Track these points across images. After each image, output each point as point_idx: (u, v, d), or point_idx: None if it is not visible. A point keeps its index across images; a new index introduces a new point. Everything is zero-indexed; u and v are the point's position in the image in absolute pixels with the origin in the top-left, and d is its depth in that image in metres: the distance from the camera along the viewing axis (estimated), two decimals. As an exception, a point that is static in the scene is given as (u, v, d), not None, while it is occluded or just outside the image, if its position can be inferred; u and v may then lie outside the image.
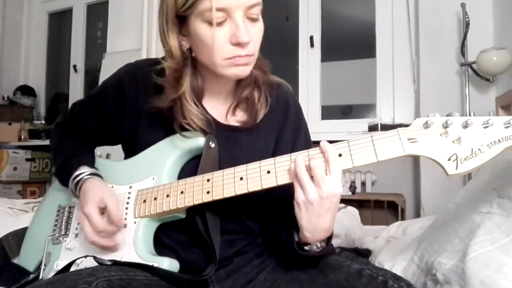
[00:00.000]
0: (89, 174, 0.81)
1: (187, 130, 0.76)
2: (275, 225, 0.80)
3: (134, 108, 0.81)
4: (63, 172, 0.84)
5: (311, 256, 0.70)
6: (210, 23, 0.66)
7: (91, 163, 0.84)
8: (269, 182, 0.67)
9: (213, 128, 0.77)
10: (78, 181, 0.80)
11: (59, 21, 3.79)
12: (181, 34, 0.71)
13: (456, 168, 0.59)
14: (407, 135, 0.62)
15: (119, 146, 0.88)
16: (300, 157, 0.65)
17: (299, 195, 0.64)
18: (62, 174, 0.85)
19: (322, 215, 0.64)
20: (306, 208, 0.64)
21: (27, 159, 3.18)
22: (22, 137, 3.32)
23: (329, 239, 0.70)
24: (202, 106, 0.78)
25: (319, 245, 0.69)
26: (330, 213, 0.65)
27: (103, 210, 0.76)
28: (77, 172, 0.81)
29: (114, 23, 3.26)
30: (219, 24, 0.66)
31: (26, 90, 3.55)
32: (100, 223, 0.73)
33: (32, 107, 3.56)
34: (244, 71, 0.72)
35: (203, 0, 0.64)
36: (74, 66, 3.56)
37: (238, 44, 0.67)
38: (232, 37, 0.67)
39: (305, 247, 0.69)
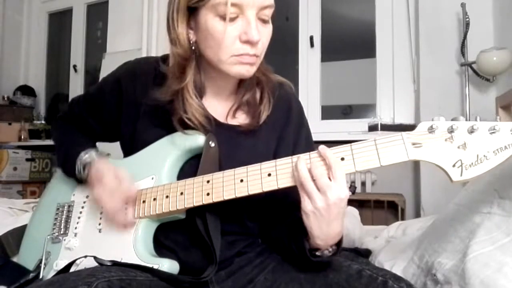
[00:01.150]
0: (98, 155, 0.82)
1: (186, 125, 0.75)
2: (280, 232, 0.79)
3: (132, 107, 0.81)
4: (68, 159, 0.84)
5: (325, 261, 0.70)
6: (222, 17, 0.66)
7: (94, 147, 0.86)
8: (270, 185, 0.66)
9: (213, 126, 0.77)
10: (85, 164, 0.81)
11: (59, 21, 3.78)
12: (189, 27, 0.71)
13: (461, 175, 0.58)
14: (411, 139, 0.61)
15: (119, 146, 0.88)
16: (303, 165, 0.63)
17: (306, 204, 0.62)
18: (67, 161, 0.85)
19: (332, 221, 0.63)
20: (315, 217, 0.62)
21: (27, 159, 3.17)
22: (22, 137, 3.32)
23: (339, 242, 0.69)
24: (202, 104, 0.78)
25: (330, 249, 0.68)
26: (339, 218, 0.64)
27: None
28: (84, 154, 0.82)
29: (114, 23, 3.26)
30: (231, 19, 0.66)
31: (26, 90, 3.55)
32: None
33: (32, 107, 3.55)
34: (248, 70, 0.72)
35: None
36: (74, 66, 3.55)
37: (248, 42, 0.68)
38: (242, 34, 0.67)
39: (317, 253, 0.69)
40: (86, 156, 0.82)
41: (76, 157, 0.82)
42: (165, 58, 0.78)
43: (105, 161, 0.81)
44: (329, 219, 0.62)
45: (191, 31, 0.72)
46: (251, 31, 0.67)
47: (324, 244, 0.66)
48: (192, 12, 0.70)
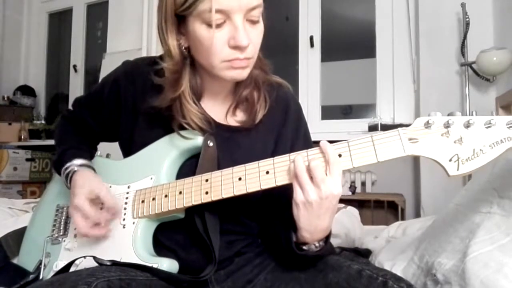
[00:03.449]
0: (79, 166, 0.81)
1: (185, 129, 0.76)
2: (274, 224, 0.80)
3: (130, 108, 0.81)
4: (59, 164, 0.85)
5: (310, 256, 0.70)
6: (209, 24, 0.65)
7: (85, 156, 0.85)
8: (268, 182, 0.67)
9: (213, 128, 0.77)
10: (68, 173, 0.81)
11: (59, 21, 3.79)
12: (180, 32, 0.71)
13: (458, 169, 0.58)
14: (408, 135, 0.61)
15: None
16: (299, 157, 0.64)
17: (298, 195, 0.63)
18: (59, 167, 0.85)
19: (321, 216, 0.64)
20: (306, 209, 0.63)
21: (27, 159, 3.18)
22: (22, 137, 3.32)
23: (327, 238, 0.70)
24: (201, 106, 0.78)
25: (317, 244, 0.69)
26: (329, 214, 0.65)
27: (95, 201, 0.76)
28: (68, 164, 0.82)
29: (114, 23, 3.26)
30: (218, 26, 0.65)
31: (26, 90, 3.56)
32: (93, 213, 0.74)
33: (32, 107, 3.56)
34: (241, 74, 0.71)
35: (203, 1, 0.63)
36: (74, 66, 3.56)
37: (237, 47, 0.66)
38: (231, 40, 0.66)
39: (304, 247, 0.69)
40: (67, 168, 0.81)
41: (61, 169, 0.82)
42: (163, 57, 0.78)
43: (83, 175, 0.79)
44: (319, 212, 0.63)
45: (183, 37, 0.71)
46: (239, 37, 0.65)
47: (310, 238, 0.67)
48: (181, 20, 0.69)
